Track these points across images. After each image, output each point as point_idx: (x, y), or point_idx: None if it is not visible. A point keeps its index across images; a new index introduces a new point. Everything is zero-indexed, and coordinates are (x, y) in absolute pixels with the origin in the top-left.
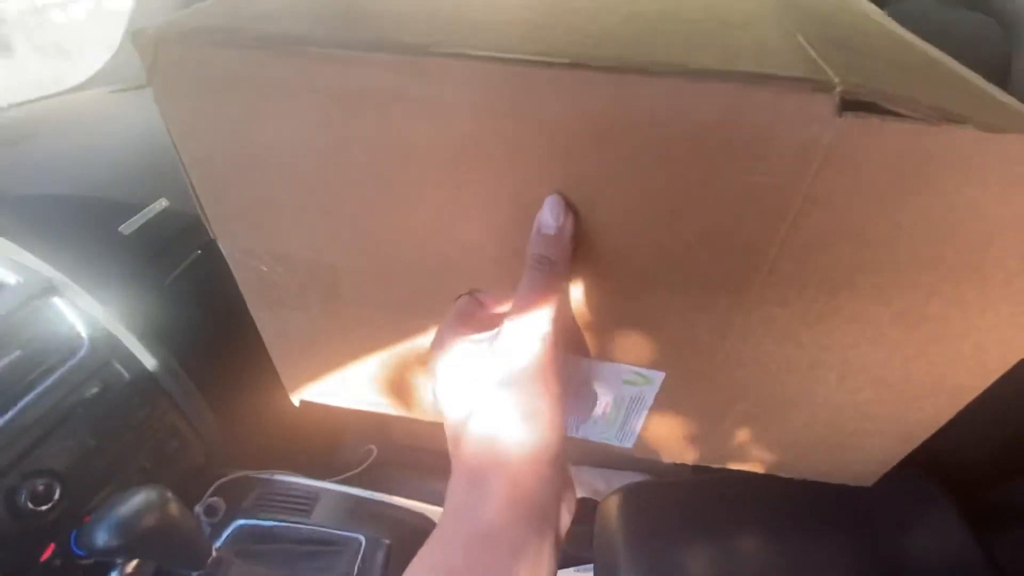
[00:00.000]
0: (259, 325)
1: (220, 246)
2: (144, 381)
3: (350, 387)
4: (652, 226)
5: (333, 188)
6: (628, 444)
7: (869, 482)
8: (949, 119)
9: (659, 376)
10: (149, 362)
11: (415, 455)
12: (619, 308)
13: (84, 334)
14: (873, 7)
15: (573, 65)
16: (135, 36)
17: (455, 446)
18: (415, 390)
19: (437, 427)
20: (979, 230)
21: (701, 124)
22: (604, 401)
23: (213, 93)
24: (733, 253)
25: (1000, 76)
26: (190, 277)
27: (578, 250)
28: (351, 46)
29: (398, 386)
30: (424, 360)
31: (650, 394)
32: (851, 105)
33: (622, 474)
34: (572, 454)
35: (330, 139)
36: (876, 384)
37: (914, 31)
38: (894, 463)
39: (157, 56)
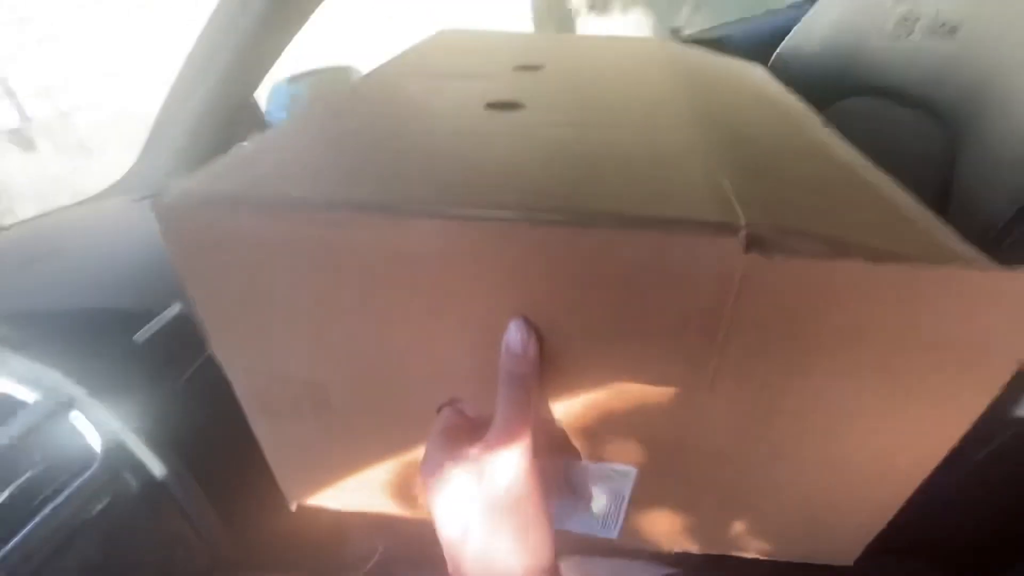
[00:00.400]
0: (257, 434)
1: (221, 364)
2: (153, 490)
3: (348, 491)
4: (604, 344)
5: (323, 320)
6: (612, 535)
7: (850, 560)
8: (838, 254)
9: (632, 471)
10: (158, 469)
11: (423, 551)
12: (587, 411)
13: (97, 448)
14: (807, 111)
15: (520, 220)
16: (154, 203)
17: (455, 566)
18: (411, 491)
19: None
20: (883, 339)
21: (634, 263)
22: (585, 495)
23: (221, 248)
24: (680, 364)
25: (945, 173)
26: (200, 378)
27: (544, 365)
28: (338, 208)
29: (393, 488)
30: (414, 465)
31: (627, 488)
32: (756, 241)
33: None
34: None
35: (321, 281)
36: (832, 472)
37: (860, 129)
38: (871, 538)
39: (168, 221)
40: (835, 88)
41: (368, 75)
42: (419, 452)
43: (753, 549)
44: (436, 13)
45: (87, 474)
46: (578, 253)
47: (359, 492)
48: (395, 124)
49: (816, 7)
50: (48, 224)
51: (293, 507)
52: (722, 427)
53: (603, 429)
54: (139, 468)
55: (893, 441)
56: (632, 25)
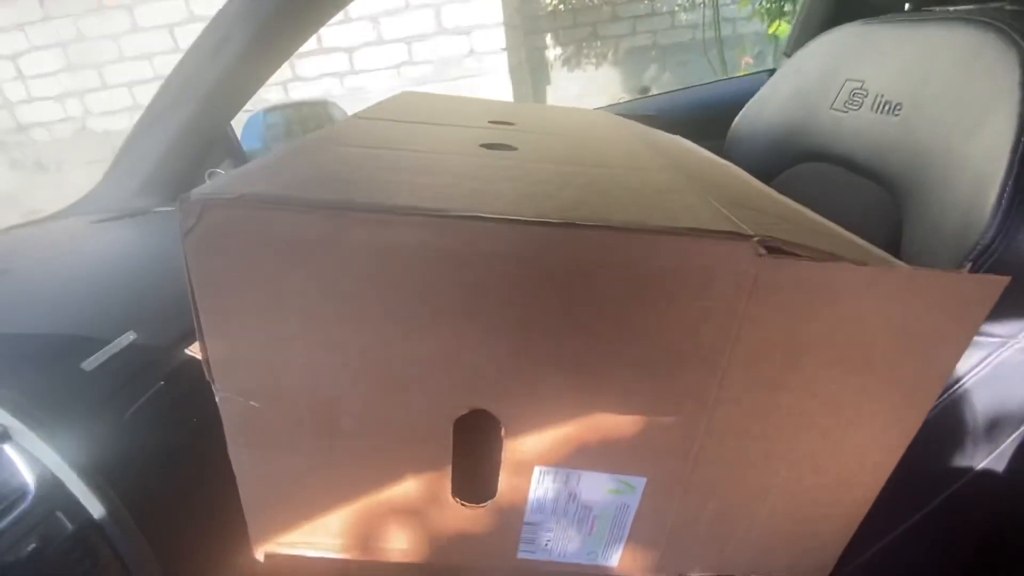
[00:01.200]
0: (237, 468)
1: (214, 388)
2: (88, 532)
3: (323, 532)
4: (628, 345)
5: (351, 324)
6: (612, 563)
7: (826, 572)
8: (832, 258)
9: (641, 482)
10: (96, 509)
11: None
12: (603, 419)
13: (31, 483)
14: (744, 172)
15: (564, 224)
16: (180, 200)
17: None
18: (392, 532)
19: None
20: (863, 335)
21: (662, 266)
22: (592, 516)
23: (249, 249)
24: (694, 362)
25: (894, 236)
26: (149, 411)
27: (566, 370)
28: (385, 211)
29: (376, 527)
30: (408, 501)
31: (633, 503)
32: (767, 248)
33: None
34: None
35: (356, 285)
36: (816, 471)
37: (815, 191)
38: (842, 547)
39: (200, 218)
40: (791, 153)
41: (350, 117)
42: (422, 478)
43: (743, 566)
44: (414, 55)
45: (17, 512)
46: (613, 258)
47: (335, 535)
48: (400, 152)
49: (774, 79)
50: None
51: (260, 556)
52: (727, 426)
53: (617, 438)
54: (75, 508)
55: (867, 434)
56: (602, 80)
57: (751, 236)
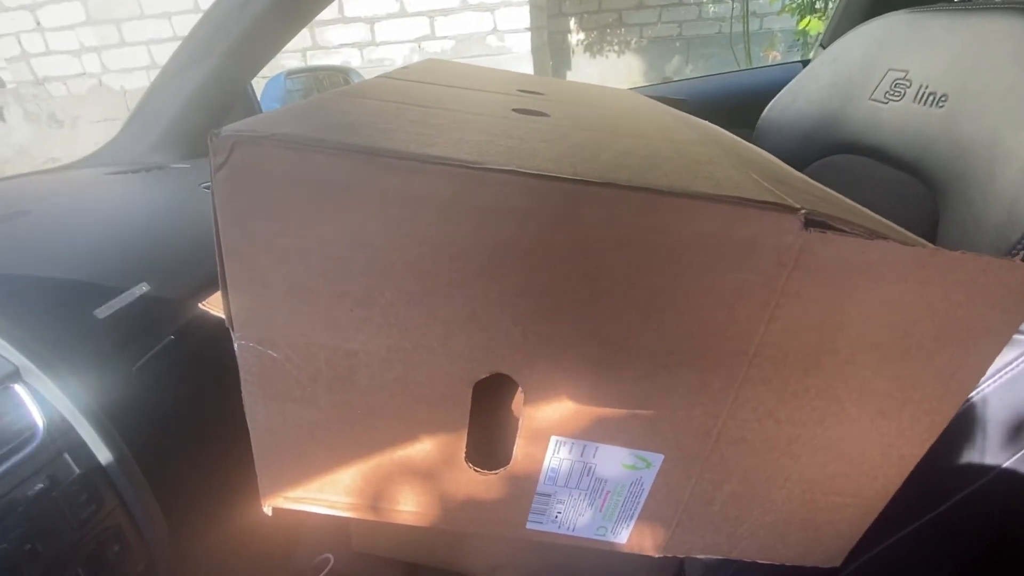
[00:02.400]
0: (251, 419)
1: (233, 336)
2: (94, 476)
3: (333, 489)
4: (660, 315)
5: (376, 277)
6: (622, 539)
7: (837, 562)
8: (876, 235)
9: (659, 459)
10: (103, 455)
11: (374, 566)
12: (626, 391)
13: (40, 424)
14: (776, 158)
15: (603, 184)
16: (211, 136)
17: None
18: (401, 493)
19: (399, 537)
20: (904, 319)
21: (702, 233)
22: (605, 491)
23: (278, 190)
24: (727, 339)
25: (928, 232)
26: (158, 364)
27: (592, 338)
28: (420, 159)
29: (386, 487)
30: (421, 463)
31: (649, 479)
32: (811, 223)
33: None
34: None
35: (384, 235)
36: (839, 458)
37: (845, 183)
38: (857, 538)
39: (231, 154)
40: (822, 144)
41: (377, 77)
42: (436, 441)
43: (755, 550)
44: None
45: (25, 451)
46: (653, 222)
47: (345, 491)
48: (431, 109)
49: (810, 68)
50: (12, 186)
51: (267, 510)
52: (753, 407)
53: (638, 411)
54: (83, 451)
55: (895, 424)
56: (623, 68)
57: (797, 208)
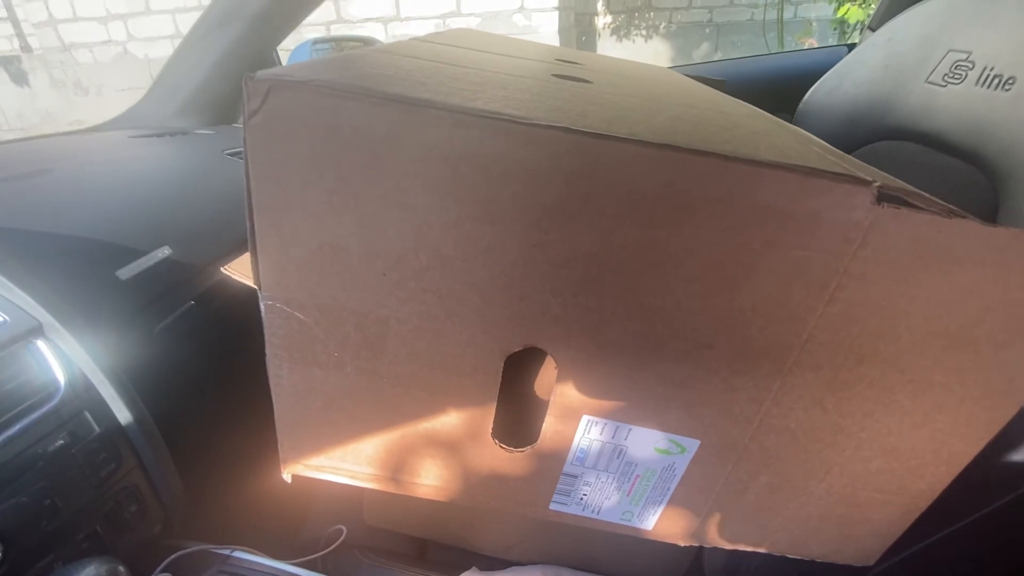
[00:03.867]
0: (274, 383)
1: (260, 296)
2: (114, 435)
3: (354, 458)
4: (711, 293)
5: (411, 239)
6: (648, 525)
7: (870, 561)
8: (954, 213)
9: (694, 445)
10: (123, 415)
11: (386, 539)
12: (666, 371)
13: (62, 381)
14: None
15: (662, 146)
16: (246, 80)
17: None
18: (424, 466)
19: (412, 512)
20: (975, 307)
21: (765, 203)
22: (635, 474)
23: (314, 140)
24: (780, 321)
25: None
26: (178, 329)
27: (636, 313)
28: (465, 112)
29: (408, 459)
30: (447, 436)
31: (681, 465)
32: (884, 197)
33: None
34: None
35: (425, 192)
36: (886, 453)
37: (900, 171)
38: (895, 538)
39: (266, 99)
40: (869, 129)
41: (410, 39)
42: (463, 415)
43: (783, 544)
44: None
45: (47, 407)
46: (712, 190)
47: (366, 461)
48: (470, 70)
49: (859, 50)
50: (37, 145)
51: (287, 476)
52: (799, 395)
53: (676, 393)
54: (102, 410)
55: (951, 419)
56: (650, 53)
57: (870, 181)
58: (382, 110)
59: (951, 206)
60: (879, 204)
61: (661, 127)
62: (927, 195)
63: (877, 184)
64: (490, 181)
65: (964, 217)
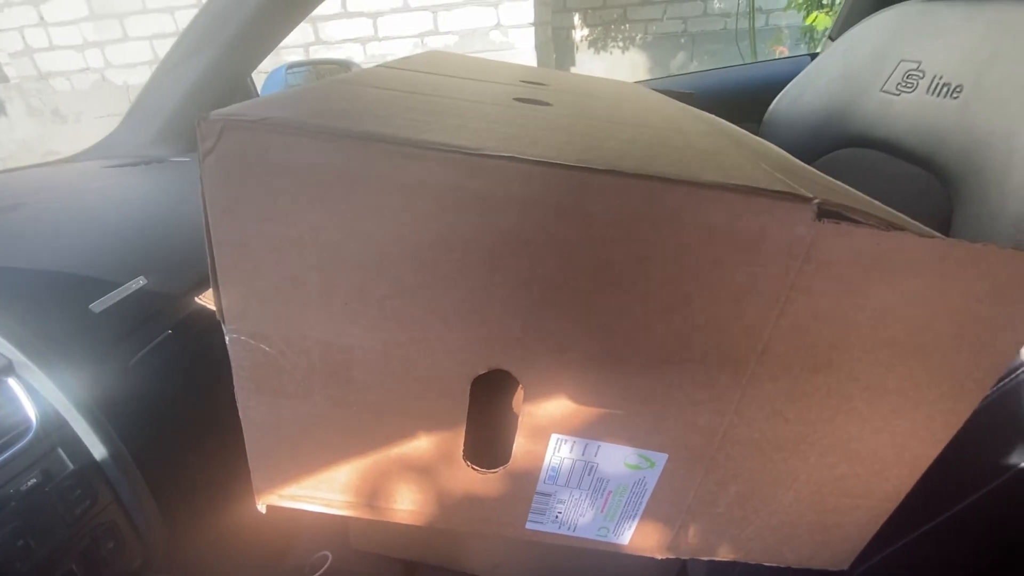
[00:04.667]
0: (243, 415)
1: (225, 329)
2: (89, 471)
3: (328, 487)
4: (667, 310)
5: (372, 268)
6: (624, 540)
7: (845, 565)
8: (892, 226)
9: (663, 459)
10: (98, 450)
11: (373, 563)
12: (630, 388)
13: (34, 418)
14: (785, 152)
15: (609, 172)
16: (199, 121)
17: None
18: (398, 491)
19: (399, 534)
20: (920, 315)
21: (712, 223)
22: (607, 490)
23: (269, 176)
24: (734, 335)
25: (941, 226)
26: (155, 359)
27: (596, 332)
28: (416, 145)
29: (383, 485)
30: (418, 461)
31: (652, 479)
32: (824, 213)
33: None
34: None
35: (379, 224)
36: (849, 459)
37: (854, 178)
38: (866, 541)
39: (220, 139)
40: (831, 137)
41: (376, 66)
42: (433, 438)
43: (757, 552)
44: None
45: (18, 446)
46: (661, 211)
47: (340, 489)
48: (430, 97)
49: (819, 60)
50: (10, 178)
51: (261, 508)
52: (760, 406)
53: (642, 408)
54: (76, 446)
55: (909, 423)
56: (628, 65)
57: (811, 198)
58: (335, 146)
59: (892, 218)
60: (820, 220)
61: (613, 150)
62: (869, 208)
63: (817, 201)
64: (444, 210)
65: (903, 229)
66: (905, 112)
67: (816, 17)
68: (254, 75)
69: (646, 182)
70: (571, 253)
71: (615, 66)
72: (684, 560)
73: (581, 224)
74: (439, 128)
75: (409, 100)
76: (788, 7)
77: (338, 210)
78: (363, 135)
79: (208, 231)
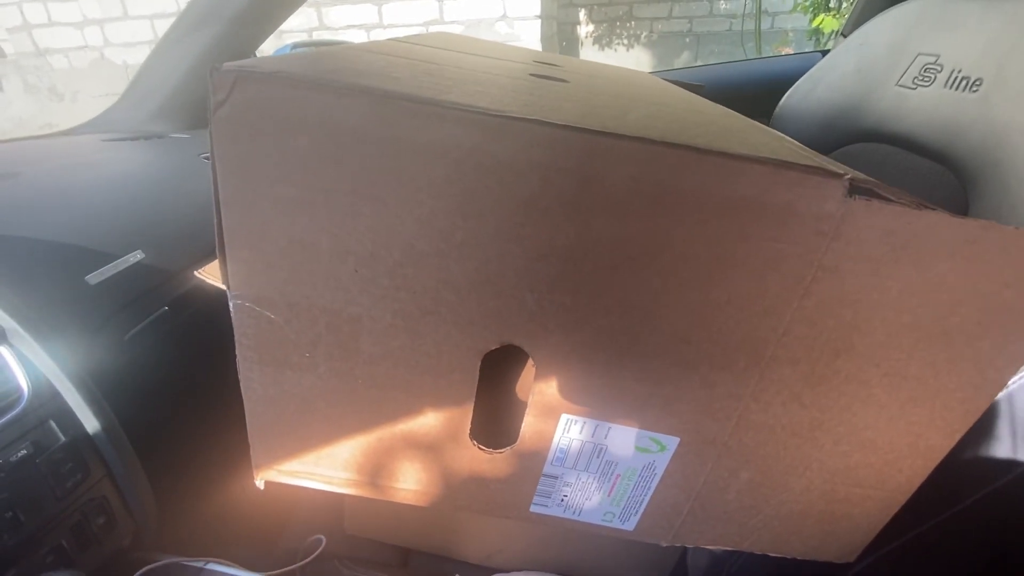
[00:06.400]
0: (245, 386)
1: (229, 295)
2: (80, 444)
3: (330, 463)
4: (687, 286)
5: (384, 234)
6: (629, 526)
7: (851, 558)
8: (924, 206)
9: (674, 442)
10: (91, 424)
11: (367, 548)
12: (644, 367)
13: (26, 388)
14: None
15: (635, 139)
16: (212, 71)
17: None
18: (402, 470)
19: (394, 520)
20: (947, 299)
21: (739, 195)
22: (615, 474)
23: (281, 133)
24: (755, 314)
25: None
26: (151, 335)
27: (613, 308)
28: (437, 104)
29: (386, 463)
30: (424, 438)
31: (662, 464)
32: (856, 190)
33: None
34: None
35: (397, 187)
36: (864, 447)
37: (874, 172)
38: (875, 533)
39: (232, 91)
40: (843, 132)
41: (387, 39)
42: (440, 415)
43: (764, 542)
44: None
45: (10, 415)
46: (686, 182)
47: (341, 466)
48: (446, 67)
49: (832, 55)
50: (7, 148)
51: (259, 483)
52: (777, 390)
53: (655, 389)
54: (68, 418)
55: (926, 412)
56: (632, 62)
57: (842, 174)
58: (351, 102)
59: (921, 200)
60: (851, 196)
61: (635, 122)
62: (897, 190)
63: (848, 176)
64: (463, 175)
65: (933, 209)
66: (921, 106)
67: (823, 20)
68: (257, 55)
69: (676, 150)
70: (591, 224)
71: (619, 63)
72: (684, 549)
73: (603, 194)
74: (459, 92)
75: (425, 67)
76: (794, 9)
77: (352, 171)
78: (381, 92)
79: (216, 189)
